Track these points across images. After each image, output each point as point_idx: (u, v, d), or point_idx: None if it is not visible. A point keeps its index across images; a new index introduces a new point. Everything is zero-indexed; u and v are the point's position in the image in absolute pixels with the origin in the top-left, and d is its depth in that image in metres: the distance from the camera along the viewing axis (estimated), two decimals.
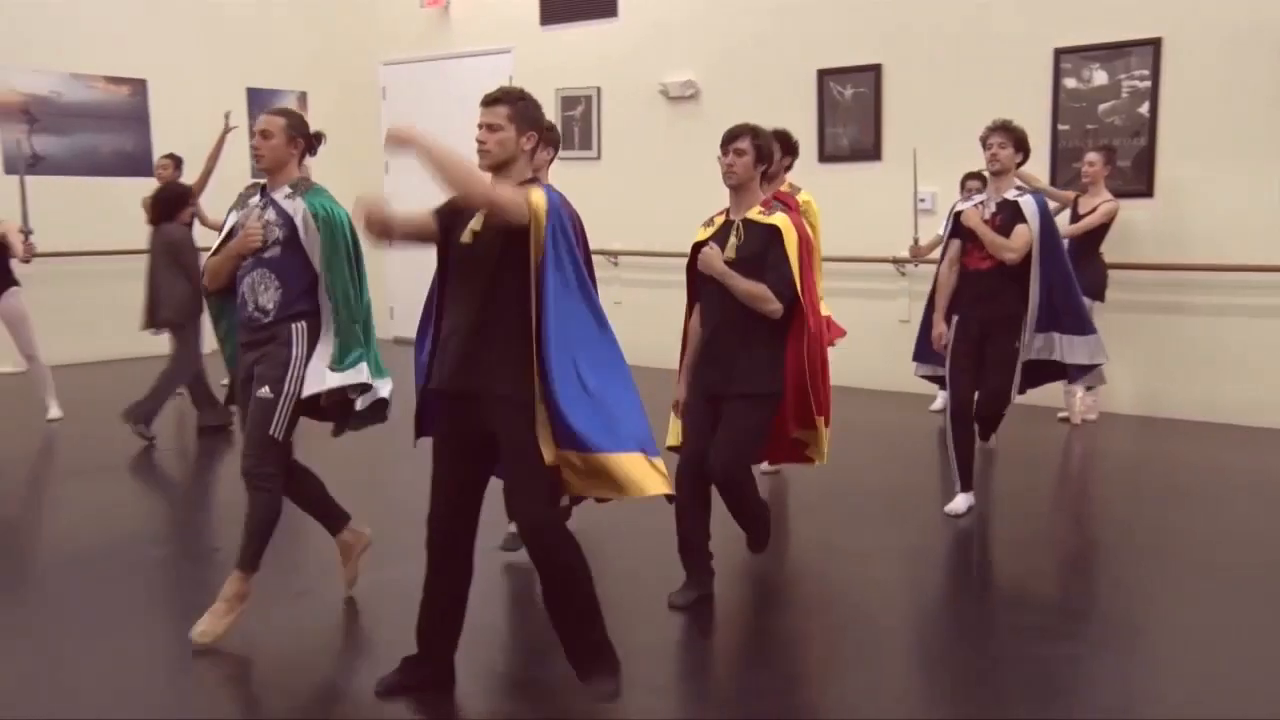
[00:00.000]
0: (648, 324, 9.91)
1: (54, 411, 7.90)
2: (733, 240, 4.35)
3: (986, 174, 5.70)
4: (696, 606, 4.31)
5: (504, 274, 3.35)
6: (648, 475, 3.33)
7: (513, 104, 3.42)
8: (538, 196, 3.31)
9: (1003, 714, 3.48)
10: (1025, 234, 5.28)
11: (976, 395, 5.50)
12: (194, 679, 3.84)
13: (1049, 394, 6.63)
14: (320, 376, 4.05)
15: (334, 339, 4.11)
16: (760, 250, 4.28)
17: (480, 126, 3.42)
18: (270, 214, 4.15)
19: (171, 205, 7.36)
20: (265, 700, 3.74)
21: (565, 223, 3.35)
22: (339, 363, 4.09)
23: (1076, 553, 5.00)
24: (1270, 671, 3.76)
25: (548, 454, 3.29)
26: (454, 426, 3.49)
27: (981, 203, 5.54)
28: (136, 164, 10.28)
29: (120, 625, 4.23)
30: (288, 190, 4.21)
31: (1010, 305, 5.40)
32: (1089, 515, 5.15)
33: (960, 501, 5.50)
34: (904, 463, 6.78)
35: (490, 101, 3.44)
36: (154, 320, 7.42)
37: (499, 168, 3.42)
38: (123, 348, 9.43)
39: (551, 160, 4.78)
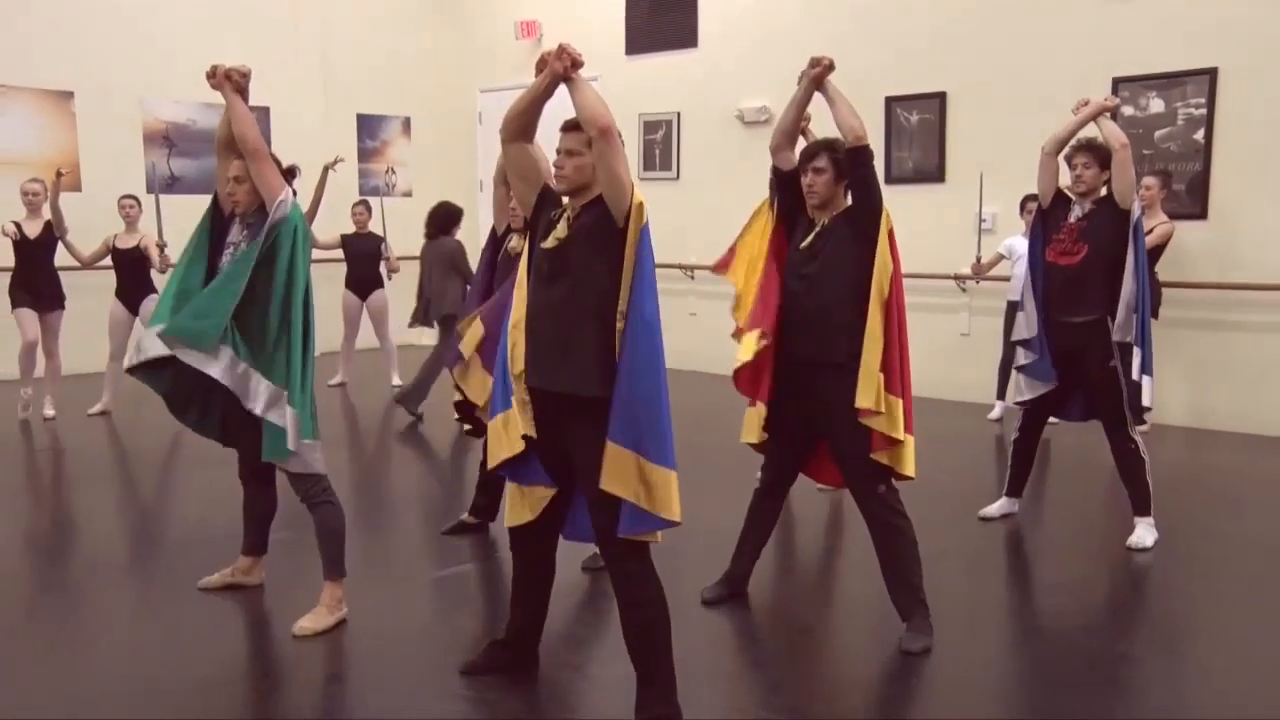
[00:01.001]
0: (721, 335, 9.99)
1: None
2: (811, 241, 4.06)
3: (1073, 195, 5.26)
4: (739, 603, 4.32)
5: (598, 263, 3.20)
6: (676, 499, 3.13)
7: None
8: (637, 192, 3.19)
9: (1055, 707, 3.48)
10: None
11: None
12: (295, 649, 3.97)
13: None
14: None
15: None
16: (843, 231, 4.01)
17: (559, 152, 3.31)
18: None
19: (447, 221, 8.03)
20: (356, 669, 3.80)
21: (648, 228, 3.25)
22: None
23: (1127, 558, 4.94)
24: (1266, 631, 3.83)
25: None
26: (541, 432, 3.32)
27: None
28: None
29: (237, 600, 4.37)
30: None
31: (1098, 306, 5.02)
32: None
33: (996, 505, 5.53)
34: (963, 469, 6.74)
35: (570, 128, 3.30)
36: (428, 317, 8.00)
37: (575, 192, 3.32)
38: None
39: None
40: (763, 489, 4.40)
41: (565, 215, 3.32)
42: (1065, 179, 5.31)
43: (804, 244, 4.09)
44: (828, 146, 4.13)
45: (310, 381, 3.99)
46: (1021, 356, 5.27)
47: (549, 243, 3.30)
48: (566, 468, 3.33)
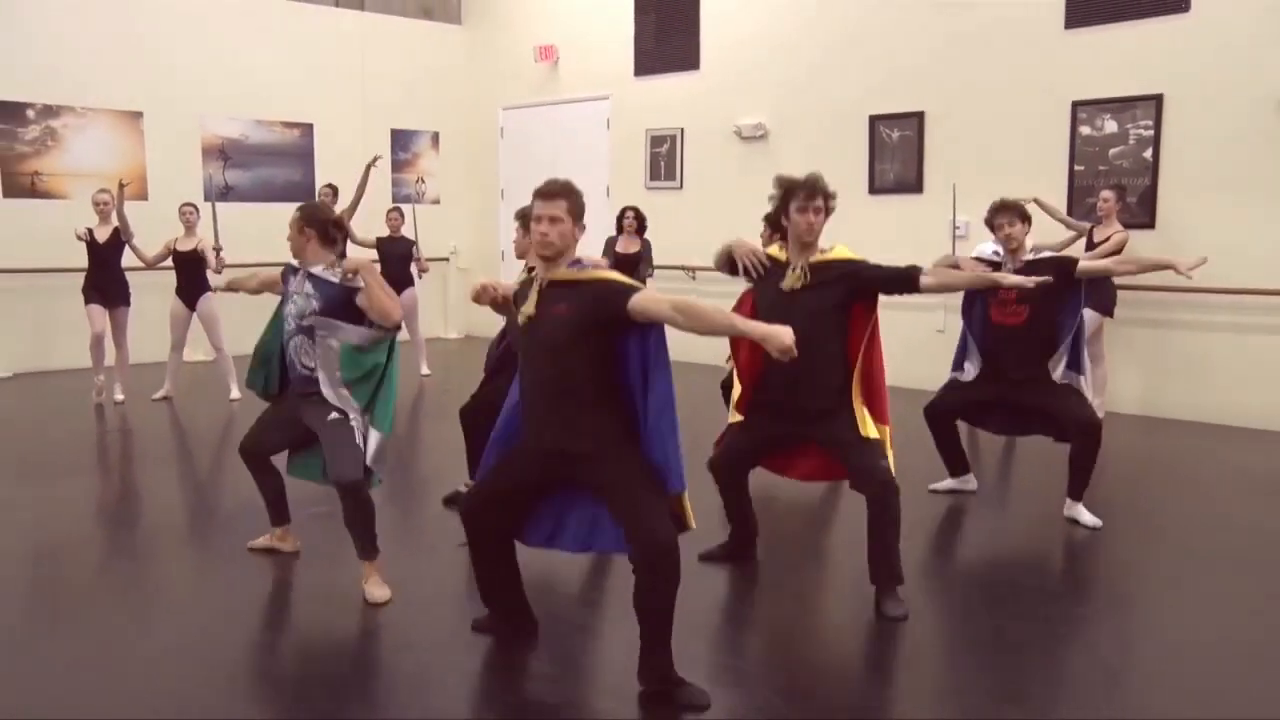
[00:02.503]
0: None
1: (235, 393, 8.22)
2: (798, 276, 4.02)
3: (1001, 254, 5.13)
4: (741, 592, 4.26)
5: (580, 350, 3.16)
6: (689, 511, 3.24)
7: (569, 198, 3.20)
8: (616, 275, 3.20)
9: (1018, 658, 3.57)
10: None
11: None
12: (334, 609, 4.10)
13: None
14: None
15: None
16: (832, 281, 3.99)
17: (540, 219, 3.17)
18: (308, 287, 4.13)
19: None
20: (388, 629, 3.88)
21: None
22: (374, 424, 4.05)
23: (1085, 534, 4.91)
24: (1240, 631, 3.83)
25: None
26: (542, 467, 3.30)
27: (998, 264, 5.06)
28: (303, 192, 10.69)
29: (281, 564, 4.47)
30: (321, 266, 4.15)
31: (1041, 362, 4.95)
32: (1096, 502, 5.13)
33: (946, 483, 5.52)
34: (937, 457, 6.82)
35: (550, 196, 3.18)
36: None
37: (557, 257, 3.20)
38: None
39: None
40: (725, 464, 4.30)
41: (536, 288, 3.25)
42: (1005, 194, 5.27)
43: (785, 285, 4.01)
44: (822, 189, 4.04)
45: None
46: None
47: (521, 320, 3.26)
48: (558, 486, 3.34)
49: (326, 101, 11.33)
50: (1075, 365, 4.97)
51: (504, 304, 3.49)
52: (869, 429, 3.96)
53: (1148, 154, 7.60)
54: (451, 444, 7.39)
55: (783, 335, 2.93)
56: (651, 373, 3.15)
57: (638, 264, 8.43)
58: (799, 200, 3.98)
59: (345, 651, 3.70)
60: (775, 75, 9.73)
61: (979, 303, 5.18)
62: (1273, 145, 7.08)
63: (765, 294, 4.09)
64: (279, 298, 4.37)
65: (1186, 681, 3.43)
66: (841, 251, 4.10)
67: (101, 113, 10.03)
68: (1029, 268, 4.92)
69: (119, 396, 8.15)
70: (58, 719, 3.13)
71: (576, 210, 3.23)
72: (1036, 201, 7.69)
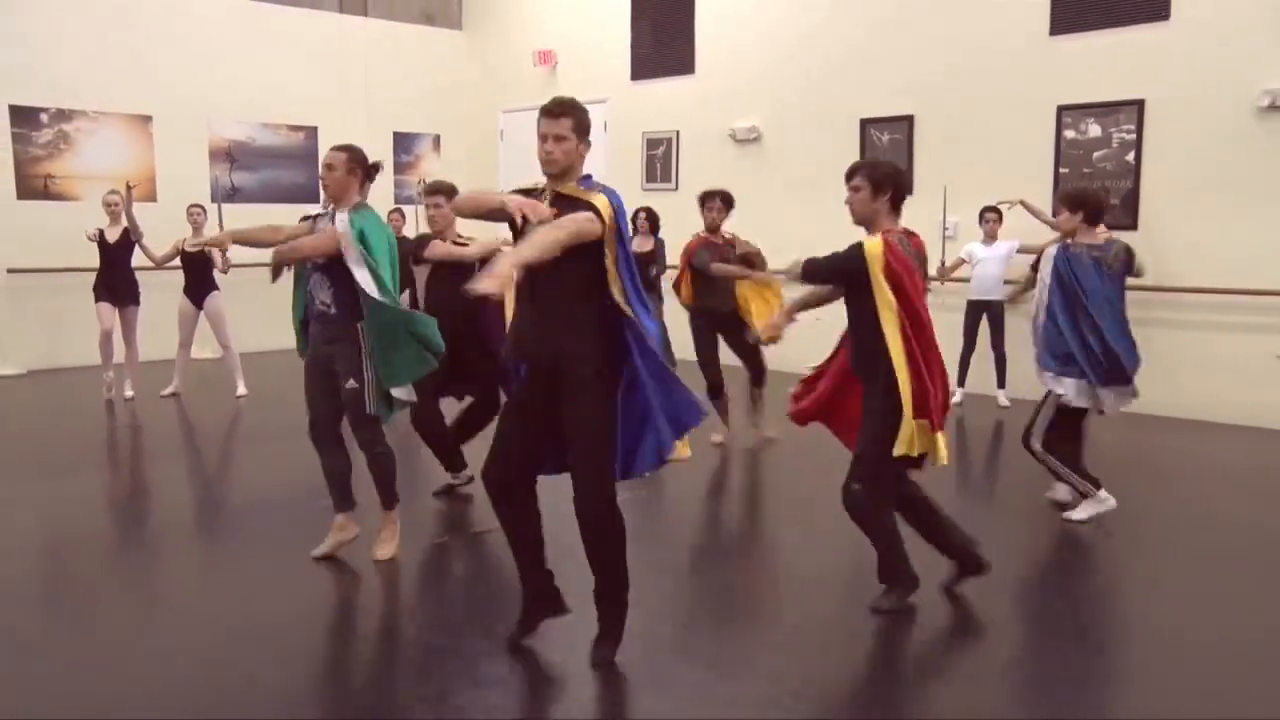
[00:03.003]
0: None
1: (241, 389, 8.26)
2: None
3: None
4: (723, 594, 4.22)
5: (578, 258, 3.09)
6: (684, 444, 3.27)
7: (575, 114, 3.18)
8: (603, 202, 3.13)
9: (1009, 620, 3.62)
10: None
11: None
12: (344, 598, 4.14)
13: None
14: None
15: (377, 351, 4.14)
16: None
17: (545, 138, 3.15)
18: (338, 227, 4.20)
19: None
20: (405, 613, 3.94)
21: (624, 219, 3.22)
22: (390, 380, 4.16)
23: (1075, 529, 4.91)
24: (1207, 604, 3.86)
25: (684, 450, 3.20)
26: (529, 392, 3.29)
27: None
28: (307, 194, 10.67)
29: (290, 557, 4.47)
30: (347, 213, 4.22)
31: None
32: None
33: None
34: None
35: (556, 114, 3.16)
36: None
37: (563, 174, 3.20)
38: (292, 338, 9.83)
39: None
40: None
41: (545, 200, 3.21)
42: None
43: None
44: (862, 165, 3.89)
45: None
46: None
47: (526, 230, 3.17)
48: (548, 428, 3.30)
49: (331, 105, 11.32)
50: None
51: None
52: (906, 444, 3.72)
53: (1130, 157, 7.61)
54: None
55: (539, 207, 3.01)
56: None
57: (652, 263, 8.47)
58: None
59: (354, 648, 3.71)
60: (769, 80, 9.74)
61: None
62: (1249, 149, 7.10)
63: None
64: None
65: (1189, 681, 3.39)
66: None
67: (112, 116, 10.03)
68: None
69: (129, 393, 8.16)
70: (65, 718, 3.12)
71: (581, 127, 3.20)
72: (1023, 203, 7.71)
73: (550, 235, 3.00)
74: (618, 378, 3.22)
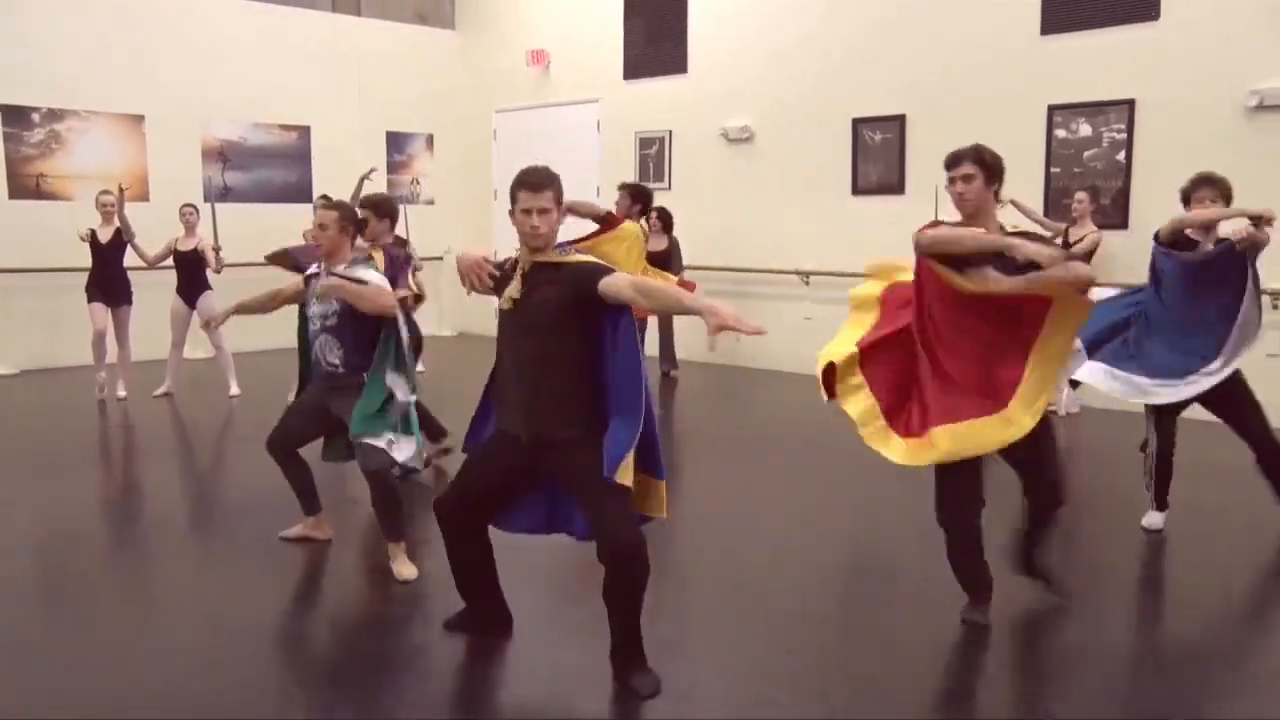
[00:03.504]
0: (703, 326, 10.11)
1: (234, 389, 8.25)
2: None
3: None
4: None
5: (563, 330, 3.12)
6: (663, 502, 3.23)
7: (555, 187, 3.17)
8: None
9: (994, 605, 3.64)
10: None
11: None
12: (333, 595, 4.14)
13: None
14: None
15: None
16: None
17: (530, 212, 3.12)
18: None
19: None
20: (394, 609, 3.93)
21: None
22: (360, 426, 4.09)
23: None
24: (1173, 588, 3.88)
25: (627, 477, 3.04)
26: (517, 457, 3.25)
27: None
28: (300, 193, 10.66)
29: (284, 556, 4.49)
30: (343, 268, 4.25)
31: None
32: (1114, 500, 5.09)
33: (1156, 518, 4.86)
34: None
35: (538, 187, 3.12)
36: None
37: (546, 247, 3.19)
38: (287, 338, 9.82)
39: None
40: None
41: (520, 272, 3.21)
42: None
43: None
44: (968, 150, 3.63)
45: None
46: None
47: (505, 304, 3.21)
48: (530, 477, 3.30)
49: (324, 105, 11.31)
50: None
51: (490, 281, 3.34)
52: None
53: (1120, 157, 7.64)
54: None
55: (721, 313, 2.79)
56: (613, 353, 3.11)
57: (669, 261, 8.51)
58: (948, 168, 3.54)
59: (351, 648, 3.70)
60: (761, 79, 9.75)
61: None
62: (1238, 148, 7.13)
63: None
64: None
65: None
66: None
67: (104, 116, 10.01)
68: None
69: (121, 393, 8.14)
70: (62, 718, 3.11)
71: (560, 197, 3.21)
72: (1014, 203, 7.72)
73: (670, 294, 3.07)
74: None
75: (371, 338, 4.20)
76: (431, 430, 5.63)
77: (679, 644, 3.57)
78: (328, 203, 4.50)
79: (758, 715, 3.10)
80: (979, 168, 3.53)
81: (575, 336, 3.14)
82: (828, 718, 3.09)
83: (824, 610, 3.99)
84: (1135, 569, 4.50)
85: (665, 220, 8.82)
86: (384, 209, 5.55)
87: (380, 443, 4.08)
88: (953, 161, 3.56)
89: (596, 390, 3.19)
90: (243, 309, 4.60)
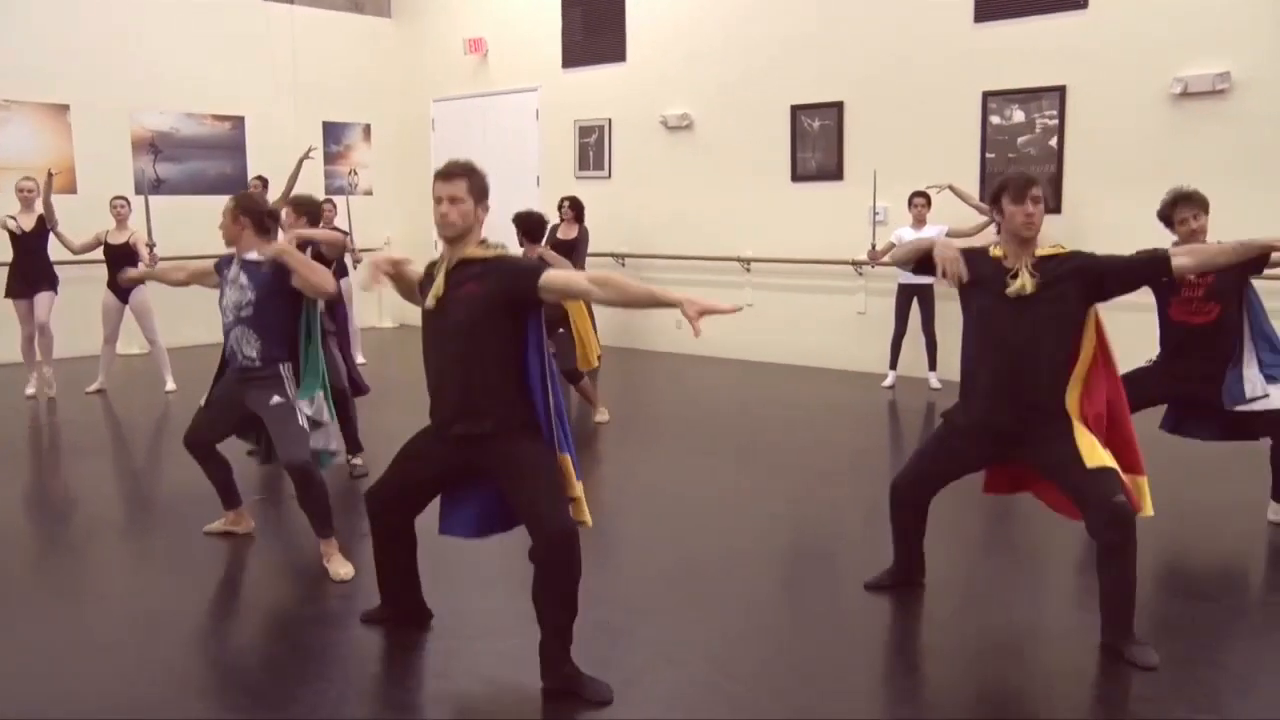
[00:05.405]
0: (646, 313, 10.14)
1: (170, 385, 8.08)
2: (1025, 280, 3.38)
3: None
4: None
5: (491, 328, 3.09)
6: (584, 511, 3.20)
7: (469, 177, 3.12)
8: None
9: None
10: None
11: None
12: (274, 592, 4.07)
13: None
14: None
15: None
16: (1064, 278, 3.39)
17: (440, 200, 3.08)
18: (243, 277, 4.16)
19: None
20: (330, 607, 3.89)
21: None
22: (301, 395, 4.09)
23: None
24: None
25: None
26: (448, 453, 3.22)
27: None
28: (235, 184, 10.44)
29: (222, 552, 4.42)
30: (255, 254, 4.16)
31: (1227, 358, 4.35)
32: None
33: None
34: (862, 429, 6.96)
35: (449, 176, 3.09)
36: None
37: (460, 237, 3.12)
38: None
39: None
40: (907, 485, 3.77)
41: (444, 268, 3.17)
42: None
43: (1012, 291, 3.40)
44: (1034, 178, 3.51)
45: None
46: None
47: (429, 303, 3.18)
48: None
49: (257, 94, 11.07)
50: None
51: (402, 279, 3.32)
52: (1098, 456, 3.31)
53: (1053, 142, 7.77)
54: (386, 430, 7.31)
55: (699, 301, 2.76)
56: (530, 353, 3.13)
57: (575, 250, 8.47)
58: (1011, 192, 3.43)
59: (286, 638, 3.64)
60: (700, 67, 9.75)
61: (1160, 299, 4.55)
62: (1165, 133, 7.30)
63: (981, 299, 3.50)
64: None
65: None
66: (1058, 248, 3.51)
67: (26, 106, 9.69)
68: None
69: (50, 390, 7.91)
70: None
71: (477, 189, 3.13)
72: (951, 188, 7.83)
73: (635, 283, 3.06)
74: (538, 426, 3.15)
75: (290, 330, 4.12)
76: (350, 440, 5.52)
77: (625, 631, 3.56)
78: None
79: (704, 701, 3.09)
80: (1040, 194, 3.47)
81: (502, 335, 3.11)
82: (775, 703, 3.10)
83: (770, 596, 4.00)
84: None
85: (577, 210, 8.79)
86: (305, 207, 5.48)
87: (303, 416, 4.05)
88: (1029, 185, 3.42)
89: (523, 388, 3.14)
90: (154, 275, 4.64)
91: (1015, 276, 3.41)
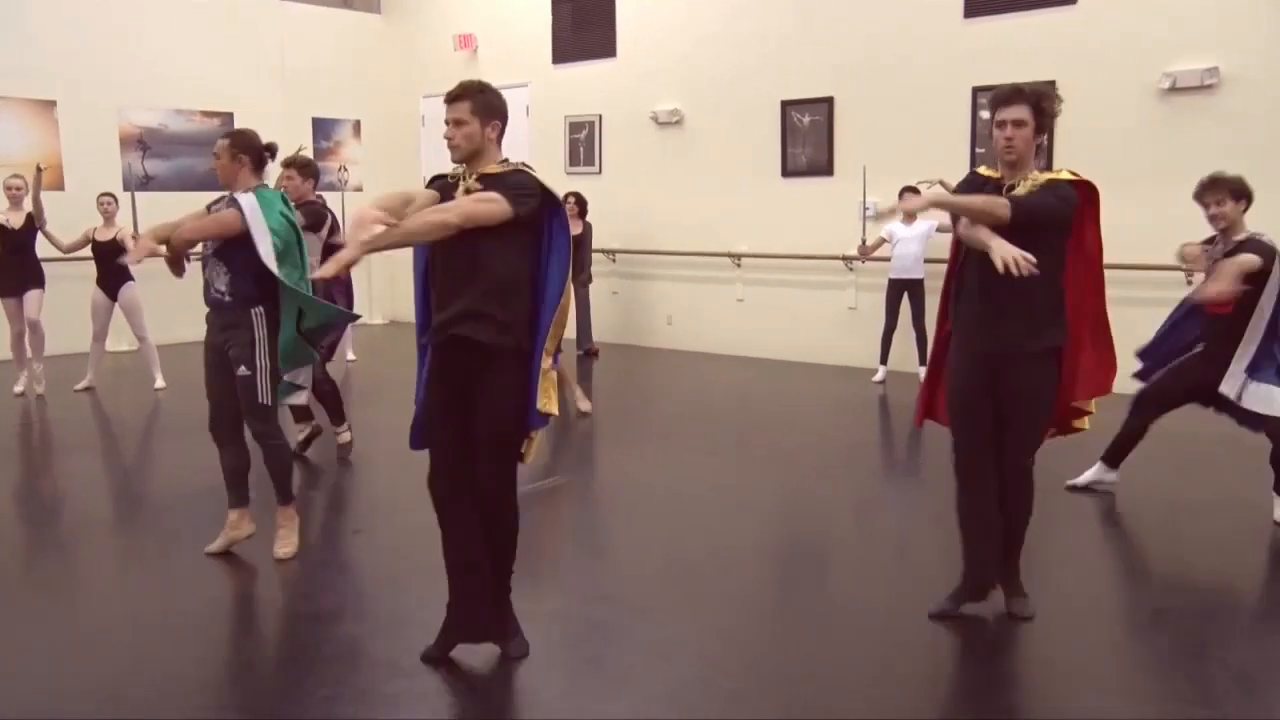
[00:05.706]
0: (639, 310, 10.15)
1: (159, 382, 8.04)
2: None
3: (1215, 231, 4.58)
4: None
5: (502, 235, 3.00)
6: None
7: (473, 97, 3.09)
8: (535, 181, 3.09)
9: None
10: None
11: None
12: (263, 588, 4.06)
13: None
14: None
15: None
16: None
17: (448, 123, 3.08)
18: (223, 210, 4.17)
19: None
20: (327, 611, 3.86)
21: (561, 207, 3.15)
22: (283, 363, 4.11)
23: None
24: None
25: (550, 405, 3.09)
26: (451, 390, 3.12)
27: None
28: None
29: (207, 543, 4.33)
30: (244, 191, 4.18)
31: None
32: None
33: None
34: (853, 424, 6.97)
35: (453, 98, 3.08)
36: None
37: (470, 159, 3.09)
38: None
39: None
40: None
41: (464, 183, 3.11)
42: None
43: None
44: (1029, 96, 3.21)
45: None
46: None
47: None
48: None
49: (246, 91, 11.01)
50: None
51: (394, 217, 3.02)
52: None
53: (1042, 137, 7.77)
54: (377, 428, 7.30)
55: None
56: (547, 255, 3.11)
57: (580, 245, 8.50)
58: (991, 107, 3.24)
59: (278, 636, 3.65)
60: (690, 63, 9.74)
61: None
62: (1152, 129, 7.33)
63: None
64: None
65: None
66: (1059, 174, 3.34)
67: (13, 101, 9.62)
68: (1240, 249, 4.42)
69: (39, 388, 7.86)
70: None
71: (482, 109, 3.08)
72: (942, 183, 7.82)
73: (430, 219, 2.91)
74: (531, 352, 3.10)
75: (259, 268, 4.05)
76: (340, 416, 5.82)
77: (616, 626, 3.55)
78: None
79: (694, 696, 3.08)
80: (1032, 113, 3.19)
81: (508, 248, 3.04)
82: (768, 699, 3.10)
83: (760, 592, 4.01)
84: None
85: (581, 206, 8.85)
86: (310, 170, 5.91)
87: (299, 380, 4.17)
88: (1002, 101, 3.17)
89: (525, 310, 3.09)
90: (165, 243, 4.22)
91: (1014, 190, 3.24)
